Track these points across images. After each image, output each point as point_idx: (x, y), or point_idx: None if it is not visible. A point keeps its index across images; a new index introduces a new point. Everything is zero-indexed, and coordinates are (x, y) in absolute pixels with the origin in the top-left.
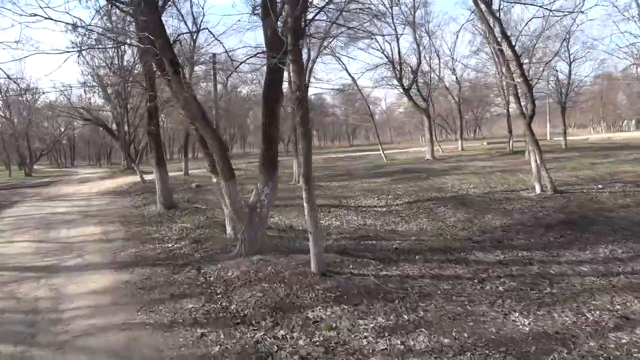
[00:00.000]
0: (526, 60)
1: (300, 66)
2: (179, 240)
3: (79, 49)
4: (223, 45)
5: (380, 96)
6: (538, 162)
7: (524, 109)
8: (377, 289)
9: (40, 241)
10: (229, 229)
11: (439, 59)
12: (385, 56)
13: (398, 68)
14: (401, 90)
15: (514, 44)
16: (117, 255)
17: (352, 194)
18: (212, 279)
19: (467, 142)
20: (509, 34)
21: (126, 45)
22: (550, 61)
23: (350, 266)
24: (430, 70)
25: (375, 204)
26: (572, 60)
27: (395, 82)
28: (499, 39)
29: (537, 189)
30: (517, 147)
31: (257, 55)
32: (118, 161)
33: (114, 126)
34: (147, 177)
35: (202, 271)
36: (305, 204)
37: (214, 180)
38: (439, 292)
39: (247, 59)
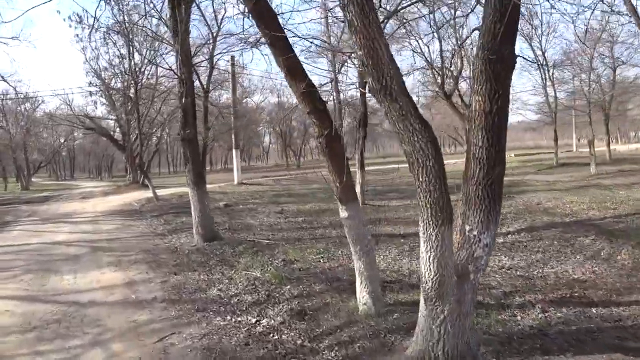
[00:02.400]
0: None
1: None
2: (263, 308)
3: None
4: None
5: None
6: None
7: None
8: None
9: (32, 299)
10: (362, 296)
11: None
12: (426, 60)
13: (439, 72)
14: (442, 97)
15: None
16: (167, 348)
17: None
18: None
19: None
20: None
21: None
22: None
23: None
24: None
25: None
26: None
27: (433, 87)
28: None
29: None
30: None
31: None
32: (120, 174)
33: (116, 135)
34: (159, 193)
35: None
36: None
37: (342, 212)
38: None
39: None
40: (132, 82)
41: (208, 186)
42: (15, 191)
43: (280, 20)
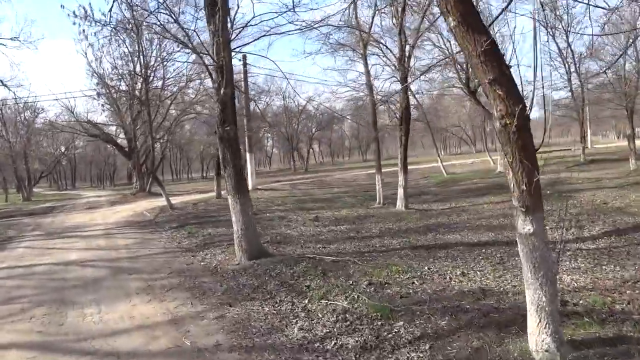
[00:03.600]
0: None
1: None
2: (382, 359)
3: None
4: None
5: None
6: None
7: None
8: None
9: (49, 348)
10: (540, 339)
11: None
12: (450, 54)
13: (463, 67)
14: (467, 94)
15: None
16: None
17: (490, 221)
18: None
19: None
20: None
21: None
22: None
23: None
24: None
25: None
26: None
27: (457, 83)
28: None
29: None
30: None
31: None
32: (122, 182)
33: (120, 141)
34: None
35: None
36: None
37: (524, 225)
38: None
39: None
40: (142, 81)
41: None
42: (17, 202)
43: None
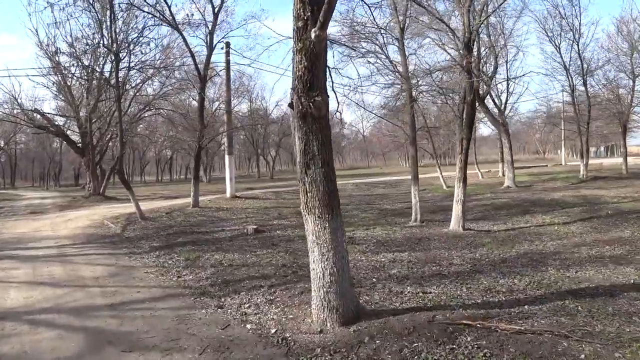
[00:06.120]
0: None
1: None
2: None
3: None
4: None
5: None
6: None
7: None
8: None
9: None
10: None
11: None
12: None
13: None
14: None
15: None
16: None
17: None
18: None
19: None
20: None
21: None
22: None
23: None
24: (508, 78)
25: None
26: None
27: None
28: None
29: None
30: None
31: None
32: (67, 183)
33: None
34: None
35: None
36: None
37: None
38: None
39: None
40: (113, 59)
41: (189, 199)
42: None
43: None
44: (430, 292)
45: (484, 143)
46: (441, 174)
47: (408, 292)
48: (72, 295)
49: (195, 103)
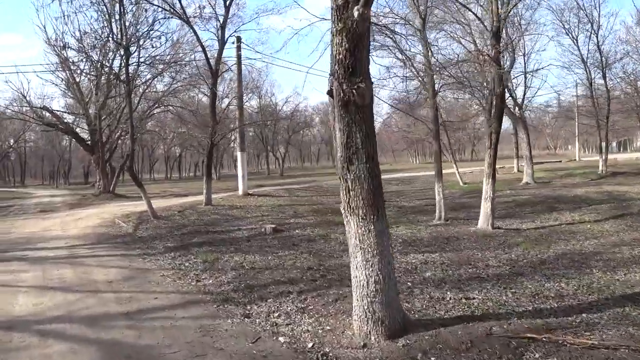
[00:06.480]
0: None
1: None
2: None
3: None
4: None
5: None
6: None
7: None
8: None
9: None
10: None
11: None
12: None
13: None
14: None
15: None
16: None
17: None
18: None
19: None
20: None
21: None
22: None
23: None
24: (526, 72)
25: None
26: None
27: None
28: None
29: None
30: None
31: None
32: (77, 181)
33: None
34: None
35: None
36: None
37: None
38: None
39: None
40: (123, 53)
41: (200, 197)
42: None
43: None
44: (474, 298)
45: None
46: (457, 170)
47: (450, 298)
48: (84, 302)
49: (204, 99)
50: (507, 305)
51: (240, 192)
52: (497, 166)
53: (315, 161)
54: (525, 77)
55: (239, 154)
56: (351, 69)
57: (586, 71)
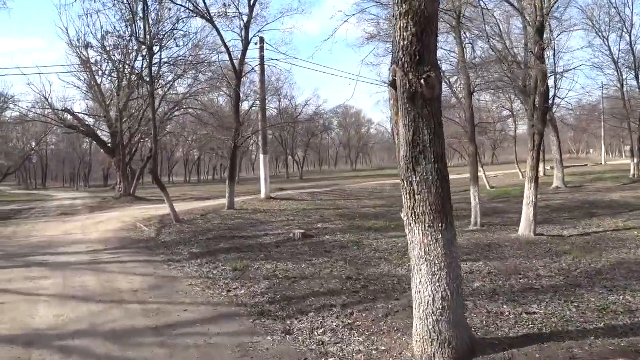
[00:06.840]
0: None
1: None
2: None
3: None
4: None
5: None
6: None
7: None
8: None
9: None
10: None
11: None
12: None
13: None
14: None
15: None
16: None
17: None
18: None
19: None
20: None
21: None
22: None
23: None
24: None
25: None
26: None
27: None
28: None
29: None
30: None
31: None
32: (97, 184)
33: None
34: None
35: None
36: None
37: None
38: None
39: None
40: (147, 53)
41: (222, 201)
42: None
43: None
44: (535, 313)
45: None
46: (485, 173)
47: (509, 313)
48: (109, 314)
49: (223, 102)
50: (574, 322)
51: (262, 195)
52: (522, 170)
53: (333, 165)
54: (555, 78)
55: (261, 156)
56: (418, 57)
57: (617, 72)
